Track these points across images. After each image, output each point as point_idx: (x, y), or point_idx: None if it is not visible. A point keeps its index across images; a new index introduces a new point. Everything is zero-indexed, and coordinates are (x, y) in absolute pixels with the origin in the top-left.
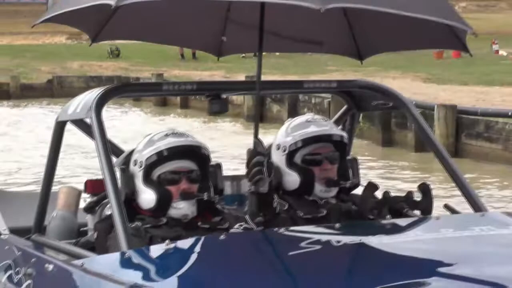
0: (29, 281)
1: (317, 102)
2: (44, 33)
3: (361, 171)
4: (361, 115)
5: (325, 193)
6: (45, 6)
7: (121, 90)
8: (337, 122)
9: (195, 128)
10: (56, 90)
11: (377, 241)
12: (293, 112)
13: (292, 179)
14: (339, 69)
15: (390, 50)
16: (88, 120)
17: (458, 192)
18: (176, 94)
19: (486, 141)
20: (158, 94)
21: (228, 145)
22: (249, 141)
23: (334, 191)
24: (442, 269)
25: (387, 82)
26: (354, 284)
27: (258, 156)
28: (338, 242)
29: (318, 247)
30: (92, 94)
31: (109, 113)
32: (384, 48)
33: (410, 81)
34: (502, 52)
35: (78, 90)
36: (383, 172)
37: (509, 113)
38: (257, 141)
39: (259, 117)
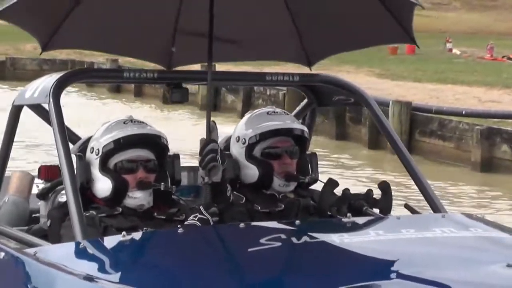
0: None
1: (271, 94)
2: None
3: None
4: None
5: (284, 188)
6: None
7: (81, 75)
8: (297, 116)
9: (149, 117)
10: (9, 72)
11: (338, 240)
12: (248, 103)
13: (251, 172)
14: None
15: (338, 52)
16: (46, 106)
17: (412, 192)
18: (136, 82)
19: (439, 139)
20: (119, 81)
21: (182, 134)
22: (202, 131)
23: (292, 185)
24: (402, 271)
25: (341, 76)
26: (314, 284)
27: (212, 143)
28: (299, 239)
29: (278, 244)
30: (51, 79)
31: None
32: (332, 51)
33: (364, 76)
34: (456, 51)
35: (31, 73)
36: (335, 168)
37: (463, 112)
38: (213, 125)
39: (210, 108)
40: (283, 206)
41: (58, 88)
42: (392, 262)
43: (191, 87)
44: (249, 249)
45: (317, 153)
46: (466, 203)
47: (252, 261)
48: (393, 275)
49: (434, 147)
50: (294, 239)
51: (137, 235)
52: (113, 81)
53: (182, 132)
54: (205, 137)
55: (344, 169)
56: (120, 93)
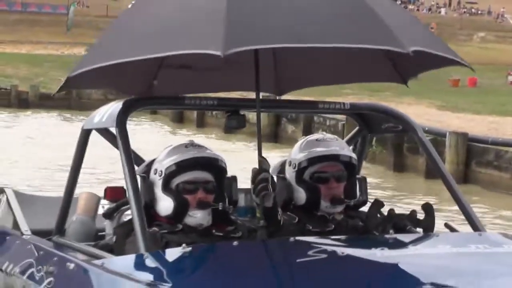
0: (50, 279)
1: (331, 124)
2: (64, 43)
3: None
4: (374, 139)
5: (331, 209)
6: (65, 16)
7: (145, 102)
8: (348, 142)
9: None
10: (74, 101)
11: (379, 254)
12: (308, 132)
13: (300, 195)
14: (355, 93)
15: (312, 85)
16: (113, 130)
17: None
18: (197, 108)
19: (496, 169)
20: (180, 107)
21: (241, 161)
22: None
23: (339, 207)
24: (436, 282)
25: (402, 108)
26: None
27: (263, 173)
28: (343, 253)
29: (323, 255)
30: (118, 105)
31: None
32: (306, 83)
33: (424, 108)
34: None
35: (95, 102)
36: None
37: None
38: (262, 159)
39: (261, 136)
40: (333, 226)
41: (124, 113)
42: (426, 274)
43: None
44: (297, 260)
45: (374, 181)
46: None
47: (299, 271)
48: (426, 286)
49: (491, 177)
50: (338, 252)
51: (195, 248)
52: (176, 108)
53: (241, 160)
54: (257, 167)
55: (401, 197)
56: (182, 123)
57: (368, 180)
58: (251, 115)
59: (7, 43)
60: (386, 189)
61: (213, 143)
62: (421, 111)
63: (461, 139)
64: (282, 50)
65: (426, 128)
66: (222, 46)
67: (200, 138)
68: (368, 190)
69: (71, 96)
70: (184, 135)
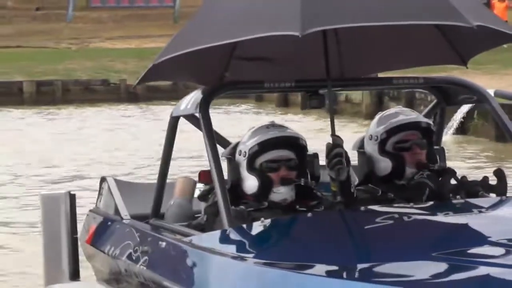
0: (145, 257)
1: (432, 99)
2: (172, 36)
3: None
4: (475, 113)
5: (417, 175)
6: (172, 9)
7: (227, 87)
8: (427, 115)
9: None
10: (181, 92)
11: (443, 217)
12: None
13: (385, 164)
14: (460, 68)
15: (374, 71)
16: (197, 115)
17: None
18: (276, 90)
19: None
20: (259, 91)
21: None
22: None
23: (425, 173)
24: (491, 239)
25: (507, 79)
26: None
27: (337, 148)
28: (409, 218)
29: (390, 222)
30: (201, 92)
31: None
32: (368, 70)
33: None
34: None
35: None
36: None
37: None
38: (335, 136)
39: (333, 114)
40: (413, 194)
41: (206, 99)
42: (482, 234)
43: (356, 98)
44: (365, 227)
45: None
46: None
47: (367, 236)
48: (484, 243)
49: None
50: (405, 218)
51: (273, 221)
52: (255, 92)
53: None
54: (331, 142)
55: (504, 162)
56: (288, 106)
57: (473, 149)
58: (354, 95)
59: (116, 39)
60: (489, 157)
61: (320, 124)
62: None
63: None
64: (345, 36)
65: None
66: (300, 27)
67: (306, 120)
68: (476, 158)
69: (178, 87)
70: (289, 119)
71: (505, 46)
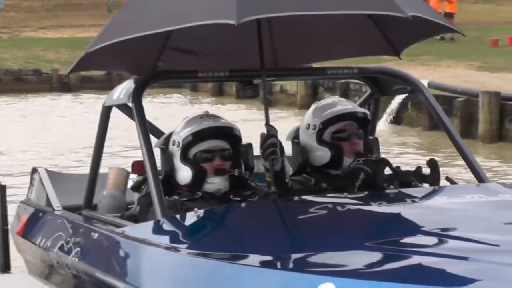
0: (77, 249)
1: (366, 90)
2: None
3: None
4: (409, 104)
5: (353, 163)
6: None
7: (160, 77)
8: (361, 105)
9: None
10: (115, 82)
11: (377, 207)
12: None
13: (323, 154)
14: (394, 59)
15: (308, 62)
16: (130, 105)
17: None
18: (209, 80)
19: None
20: (193, 81)
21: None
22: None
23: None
24: (424, 228)
25: (440, 70)
26: (345, 239)
27: (271, 138)
28: (342, 207)
29: (324, 212)
30: (133, 81)
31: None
32: (302, 60)
33: (463, 69)
34: None
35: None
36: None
37: None
38: (269, 127)
39: (268, 104)
40: (345, 183)
41: (139, 89)
42: (415, 223)
43: (291, 89)
44: (298, 217)
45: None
46: None
47: (300, 226)
48: (416, 232)
49: None
50: (338, 208)
51: (207, 211)
52: (189, 81)
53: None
54: (265, 132)
55: (437, 150)
56: (223, 96)
57: (409, 139)
58: (289, 86)
59: (49, 28)
60: (423, 145)
61: (254, 114)
62: (459, 72)
63: (493, 98)
64: (279, 26)
65: (459, 90)
66: (236, 15)
67: (241, 110)
68: (411, 148)
69: (112, 77)
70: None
71: (437, 37)
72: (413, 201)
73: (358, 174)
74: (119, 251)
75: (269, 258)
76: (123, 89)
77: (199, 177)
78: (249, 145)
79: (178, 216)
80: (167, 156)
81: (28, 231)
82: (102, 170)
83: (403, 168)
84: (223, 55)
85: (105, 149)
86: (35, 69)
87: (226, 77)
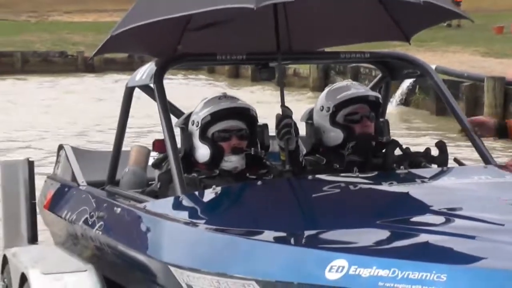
0: (101, 222)
1: (377, 74)
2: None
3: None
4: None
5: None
6: None
7: (180, 60)
8: (373, 88)
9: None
10: (136, 64)
11: (387, 186)
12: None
13: (335, 135)
14: (403, 44)
15: (320, 47)
16: (151, 86)
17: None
18: (227, 63)
19: None
20: (212, 63)
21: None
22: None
23: (373, 144)
24: (432, 207)
25: (447, 56)
26: (358, 218)
27: (286, 119)
28: (355, 186)
29: (337, 190)
30: (155, 63)
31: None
32: (316, 45)
33: (468, 56)
34: None
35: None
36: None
37: None
38: (284, 108)
39: (283, 86)
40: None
41: (160, 71)
42: (423, 203)
43: (303, 72)
44: (313, 195)
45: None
46: None
47: (314, 204)
48: (425, 211)
49: None
50: (350, 187)
51: (224, 189)
52: (208, 64)
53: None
54: (280, 113)
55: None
56: (239, 77)
57: (415, 123)
58: (302, 69)
59: (74, 13)
60: (430, 129)
61: (270, 96)
62: (465, 58)
63: (498, 83)
64: (294, 11)
65: (465, 74)
66: (255, 0)
67: (257, 91)
68: (417, 130)
69: (133, 60)
70: (240, 91)
71: (444, 24)
72: (422, 181)
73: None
74: (140, 225)
75: (283, 234)
76: (145, 71)
77: (217, 155)
78: (265, 125)
79: (196, 193)
80: (186, 135)
81: (54, 205)
82: (125, 147)
83: (412, 150)
84: (241, 37)
85: (128, 128)
86: (61, 51)
87: (243, 60)
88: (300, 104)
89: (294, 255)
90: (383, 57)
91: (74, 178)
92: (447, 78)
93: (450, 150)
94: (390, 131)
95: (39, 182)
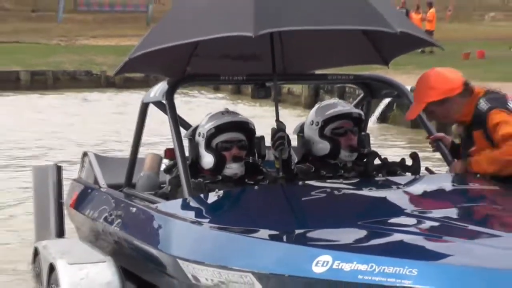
0: (119, 220)
1: (360, 93)
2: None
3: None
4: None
5: (348, 157)
6: (145, 14)
7: (188, 80)
8: (356, 106)
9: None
10: (152, 82)
11: (367, 191)
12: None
13: (324, 146)
14: (382, 68)
15: (309, 69)
16: (163, 102)
17: None
18: (229, 83)
19: None
20: (216, 82)
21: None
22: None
23: (354, 156)
24: (406, 210)
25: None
26: (337, 218)
27: (280, 132)
28: (339, 191)
29: (323, 195)
30: (167, 82)
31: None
32: (306, 67)
33: None
34: None
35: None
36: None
37: None
38: (279, 122)
39: (278, 103)
40: (342, 172)
41: (172, 89)
42: (398, 206)
43: (296, 91)
44: (303, 199)
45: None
46: None
47: (304, 206)
48: (398, 214)
49: None
50: (335, 192)
51: (226, 192)
52: (212, 83)
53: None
54: (275, 127)
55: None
56: (240, 94)
57: (393, 136)
58: (295, 88)
59: (99, 37)
60: (405, 140)
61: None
62: None
63: None
64: (288, 38)
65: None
66: (253, 29)
67: (256, 107)
68: (394, 142)
69: (149, 78)
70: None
71: (419, 51)
72: (398, 187)
73: (350, 174)
74: (153, 223)
75: (276, 232)
76: (158, 89)
77: (220, 163)
78: (262, 137)
79: (202, 195)
80: (193, 145)
81: (79, 204)
82: (140, 155)
83: (390, 160)
84: (241, 60)
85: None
86: (87, 70)
87: (243, 80)
88: (293, 119)
89: (285, 251)
90: (365, 79)
91: (96, 181)
92: None
93: (422, 160)
94: (371, 143)
95: (66, 183)
